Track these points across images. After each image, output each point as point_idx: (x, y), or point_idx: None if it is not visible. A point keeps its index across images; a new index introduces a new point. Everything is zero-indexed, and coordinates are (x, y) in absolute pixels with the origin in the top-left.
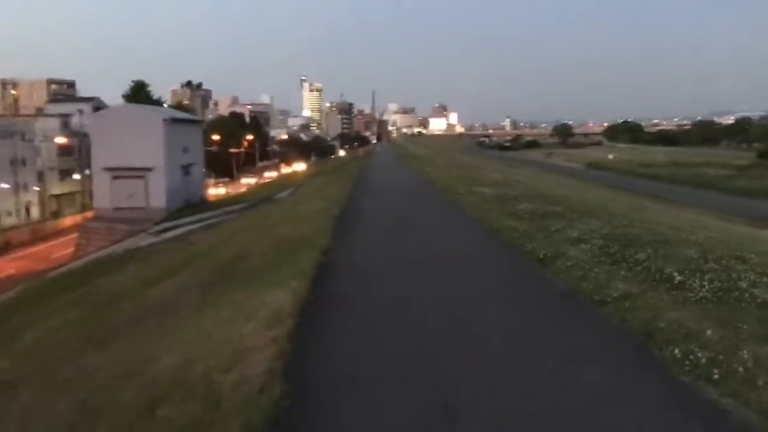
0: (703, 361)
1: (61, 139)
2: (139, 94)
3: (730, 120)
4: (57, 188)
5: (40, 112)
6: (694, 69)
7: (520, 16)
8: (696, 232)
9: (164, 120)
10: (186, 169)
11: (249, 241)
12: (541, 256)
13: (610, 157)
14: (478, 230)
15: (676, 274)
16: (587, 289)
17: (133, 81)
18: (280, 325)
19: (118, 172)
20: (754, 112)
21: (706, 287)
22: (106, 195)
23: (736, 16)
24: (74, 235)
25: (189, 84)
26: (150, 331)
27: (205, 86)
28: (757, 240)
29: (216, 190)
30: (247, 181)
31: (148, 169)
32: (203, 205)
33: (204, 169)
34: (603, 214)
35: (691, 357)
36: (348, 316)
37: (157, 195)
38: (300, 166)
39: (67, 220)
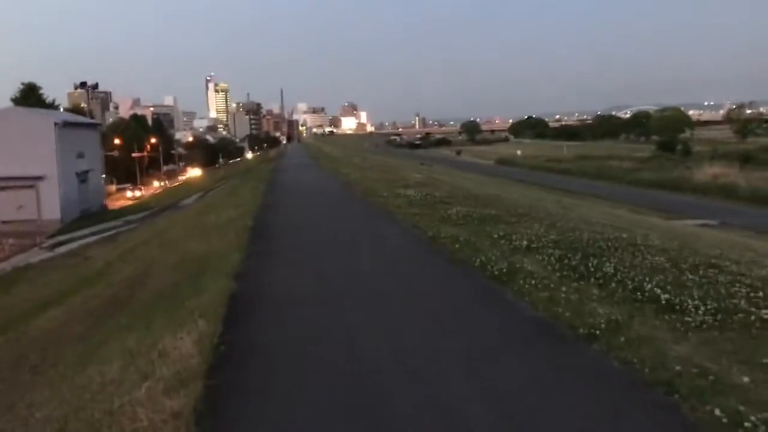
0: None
1: None
2: (29, 97)
3: (627, 114)
4: None
5: None
6: (591, 66)
7: (427, 14)
8: (645, 233)
9: (55, 124)
10: (82, 177)
11: (149, 258)
12: (496, 273)
13: (519, 153)
14: (413, 240)
15: (659, 291)
16: (564, 316)
17: (23, 83)
18: (184, 389)
19: (4, 182)
20: (650, 106)
21: (702, 309)
22: None
23: (633, 13)
24: None
25: (84, 85)
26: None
27: (104, 88)
28: (706, 239)
29: (119, 198)
30: (156, 184)
31: (39, 178)
32: (103, 214)
33: (104, 175)
34: (541, 215)
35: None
36: (271, 374)
37: (50, 205)
38: (195, 172)
39: None
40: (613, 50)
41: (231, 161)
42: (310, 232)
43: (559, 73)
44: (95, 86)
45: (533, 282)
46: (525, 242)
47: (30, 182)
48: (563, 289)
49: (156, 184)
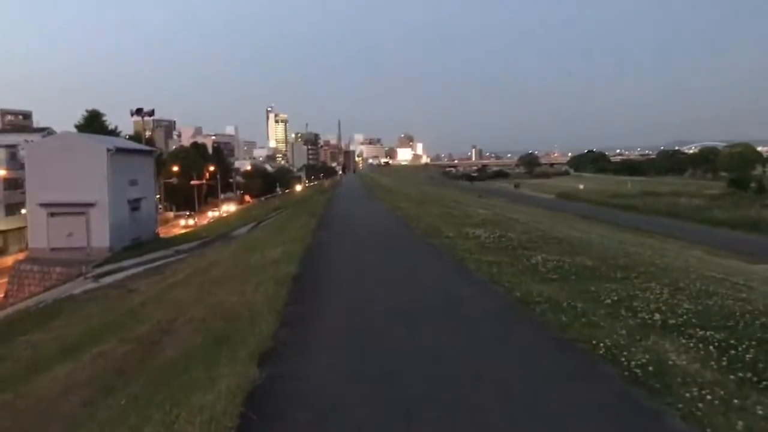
0: None
1: (1, 171)
2: (93, 124)
3: (691, 149)
4: (2, 224)
5: None
6: (654, 99)
7: (485, 47)
8: None
9: (108, 150)
10: (134, 204)
11: (180, 304)
12: (636, 370)
13: (581, 187)
14: (498, 304)
15: None
16: None
17: (87, 110)
18: None
19: (55, 208)
20: (715, 142)
21: None
22: (42, 233)
23: (697, 47)
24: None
25: (140, 111)
26: None
27: (169, 117)
28: None
29: (175, 225)
30: (212, 214)
31: (90, 205)
32: (154, 243)
33: (159, 204)
34: (651, 269)
35: None
36: None
37: (100, 233)
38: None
39: (10, 259)
40: (677, 84)
41: (286, 191)
42: (362, 289)
43: (620, 106)
44: (151, 113)
45: (702, 393)
46: (656, 315)
47: (81, 209)
48: (758, 411)
49: (210, 213)
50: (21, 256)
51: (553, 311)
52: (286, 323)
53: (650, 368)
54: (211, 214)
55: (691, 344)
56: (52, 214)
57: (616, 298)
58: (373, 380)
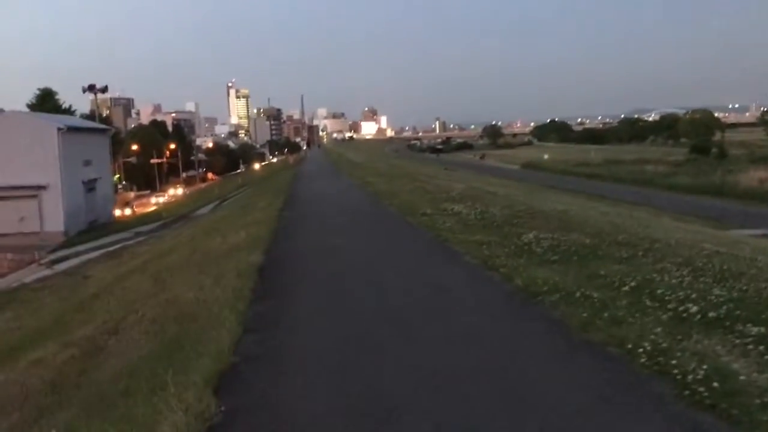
0: None
1: None
2: (46, 103)
3: (651, 117)
4: None
5: None
6: (613, 69)
7: (446, 18)
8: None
9: (59, 129)
10: (90, 185)
11: (133, 298)
12: (703, 391)
13: (546, 157)
14: (499, 295)
15: None
16: None
17: (39, 89)
18: None
19: (4, 192)
20: (674, 109)
21: None
22: None
23: (656, 17)
24: None
25: (92, 88)
26: None
27: (127, 95)
28: None
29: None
30: (155, 200)
31: (42, 187)
32: (112, 226)
33: (121, 184)
34: (657, 246)
35: None
36: None
37: (53, 217)
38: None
39: None
40: (635, 53)
41: (249, 168)
42: (337, 282)
43: (580, 76)
44: (104, 89)
45: None
46: (689, 305)
47: (32, 192)
48: None
49: (154, 200)
50: None
51: (566, 303)
52: (251, 328)
53: (714, 384)
54: (155, 201)
55: (749, 346)
56: (1, 198)
57: (633, 284)
58: (365, 416)
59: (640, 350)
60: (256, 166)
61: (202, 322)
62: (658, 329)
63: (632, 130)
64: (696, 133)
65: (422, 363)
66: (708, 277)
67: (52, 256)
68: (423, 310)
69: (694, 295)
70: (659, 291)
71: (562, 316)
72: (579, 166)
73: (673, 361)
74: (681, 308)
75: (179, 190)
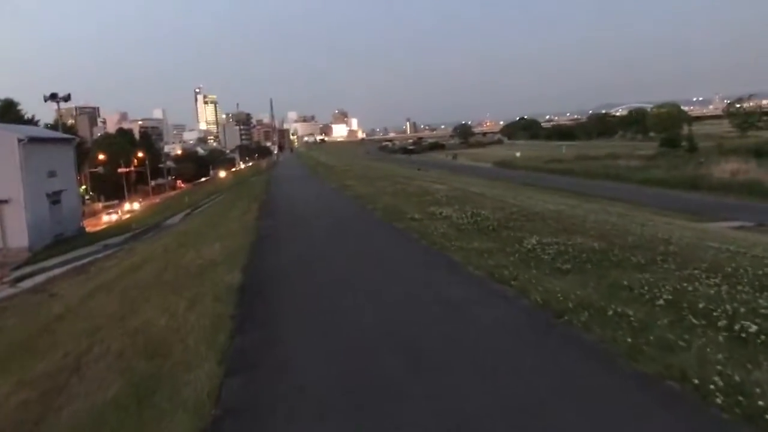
0: None
1: None
2: (8, 113)
3: (618, 111)
4: None
5: None
6: (580, 64)
7: (414, 20)
8: None
9: (20, 140)
10: (54, 198)
11: (101, 320)
12: None
13: (517, 154)
14: (517, 314)
15: None
16: None
17: (0, 100)
18: None
19: None
20: (640, 104)
21: None
22: None
23: (621, 11)
24: None
25: (54, 96)
26: None
27: (92, 104)
28: None
29: (108, 217)
30: (107, 218)
31: (3, 202)
32: (80, 238)
33: (91, 193)
34: (672, 249)
35: None
36: None
37: (16, 232)
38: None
39: None
40: (602, 48)
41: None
42: (329, 304)
43: (547, 72)
44: (67, 98)
45: None
46: (745, 324)
47: None
48: None
49: (106, 218)
50: None
51: (599, 324)
52: (234, 369)
53: None
54: (107, 218)
55: None
56: None
57: (667, 296)
58: None
59: (711, 386)
60: (222, 174)
61: (176, 358)
62: (719, 355)
63: (601, 125)
64: (664, 127)
65: (447, 407)
66: (744, 285)
67: (16, 273)
68: (436, 336)
69: (742, 309)
70: (700, 305)
71: (600, 341)
72: (551, 162)
73: (760, 402)
74: (736, 327)
75: (135, 205)
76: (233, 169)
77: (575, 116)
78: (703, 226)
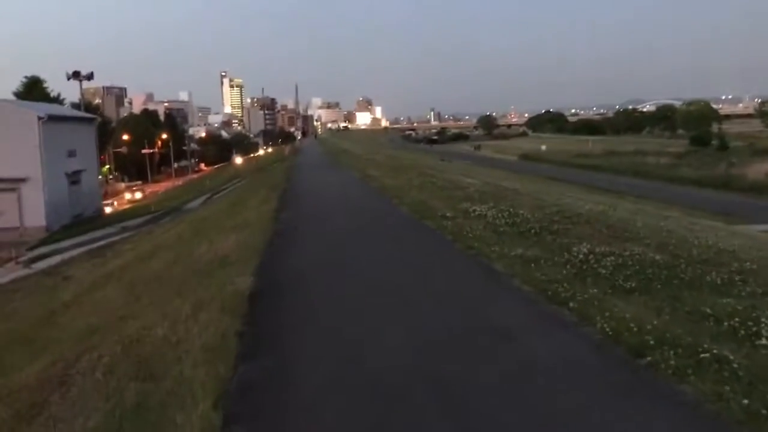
0: None
1: None
2: (33, 91)
3: (646, 108)
4: None
5: None
6: (610, 59)
7: (440, 7)
8: None
9: (39, 118)
10: (74, 178)
11: (99, 319)
12: None
13: (543, 148)
14: (584, 355)
15: None
16: None
17: (26, 77)
18: None
19: None
20: (668, 100)
21: None
22: None
23: (650, 9)
24: None
25: (77, 75)
26: None
27: (120, 84)
28: None
29: (130, 196)
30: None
31: (21, 180)
32: (98, 220)
33: (111, 175)
34: (749, 267)
35: None
36: None
37: (34, 211)
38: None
39: None
40: (630, 43)
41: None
42: (353, 320)
43: (574, 66)
44: (90, 76)
45: None
46: None
47: (11, 185)
48: None
49: (128, 195)
50: None
51: (695, 371)
52: (235, 415)
53: None
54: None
55: None
56: None
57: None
58: None
59: None
60: (238, 160)
61: (168, 385)
62: None
63: (628, 121)
64: (694, 125)
65: None
66: None
67: (32, 254)
68: (489, 380)
69: None
70: None
71: (704, 399)
72: (578, 157)
73: None
74: None
75: (137, 195)
76: (255, 154)
77: (602, 111)
78: (740, 229)
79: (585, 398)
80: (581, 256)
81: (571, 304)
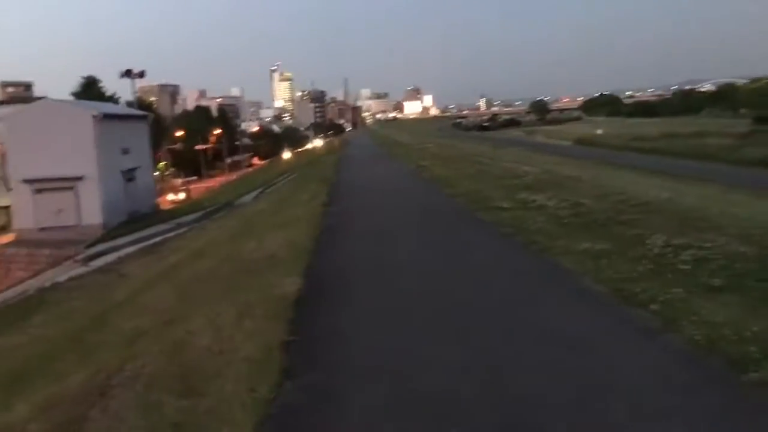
0: None
1: None
2: (90, 90)
3: (704, 87)
4: (4, 200)
5: None
6: (664, 39)
7: None
8: None
9: (94, 117)
10: (129, 175)
11: (144, 328)
12: None
13: (599, 132)
14: (685, 365)
15: None
16: None
17: (83, 77)
18: None
19: (41, 184)
20: (727, 79)
21: None
22: (28, 212)
23: None
24: None
25: (129, 73)
26: None
27: (174, 82)
28: None
29: (173, 197)
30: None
31: (78, 178)
32: (153, 216)
33: (167, 170)
34: None
35: None
36: None
37: (91, 209)
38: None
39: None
40: (686, 20)
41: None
42: (410, 334)
43: (628, 47)
44: (142, 74)
45: None
46: None
47: (68, 183)
48: None
49: (171, 196)
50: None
51: None
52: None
53: None
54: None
55: None
56: (38, 191)
57: None
58: None
59: None
60: (287, 155)
61: (208, 403)
62: None
63: (686, 101)
64: (757, 103)
65: None
66: None
67: (89, 251)
68: (559, 401)
69: None
70: None
71: None
72: (636, 140)
73: None
74: None
75: (180, 195)
76: (304, 148)
77: (658, 92)
78: None
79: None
80: (656, 249)
81: (651, 306)
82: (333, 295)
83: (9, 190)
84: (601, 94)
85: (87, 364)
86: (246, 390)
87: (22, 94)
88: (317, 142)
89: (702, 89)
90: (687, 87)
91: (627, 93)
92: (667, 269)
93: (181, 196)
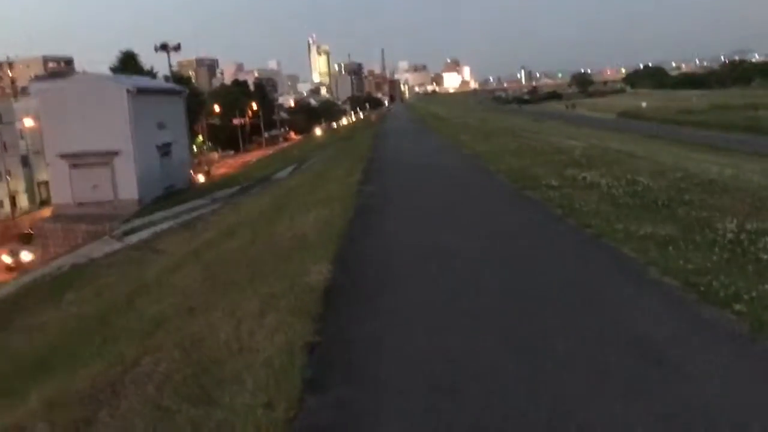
0: None
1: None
2: (128, 65)
3: (755, 58)
4: (45, 174)
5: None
6: (711, 6)
7: None
8: None
9: (128, 91)
10: (164, 150)
11: (166, 314)
12: None
13: (643, 104)
14: None
15: None
16: None
17: (121, 51)
18: None
19: (77, 159)
20: None
21: None
22: (65, 187)
23: None
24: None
25: (164, 47)
26: None
27: (211, 55)
28: None
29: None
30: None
31: (114, 153)
32: (189, 191)
33: (206, 145)
34: None
35: None
36: None
37: (127, 184)
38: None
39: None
40: None
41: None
42: (454, 336)
43: (673, 16)
44: (177, 47)
45: None
46: None
47: (104, 158)
48: None
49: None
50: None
51: None
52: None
53: None
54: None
55: None
56: (75, 166)
57: None
58: None
59: None
60: (318, 132)
61: (221, 415)
62: None
63: (735, 72)
64: None
65: None
66: None
67: (125, 227)
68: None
69: None
70: None
71: None
72: (682, 113)
73: None
74: None
75: (200, 177)
76: (343, 122)
77: (705, 63)
78: None
79: None
80: (729, 235)
81: (735, 306)
82: (367, 289)
83: (46, 165)
84: (646, 66)
85: (104, 355)
86: (262, 403)
87: (62, 69)
88: (354, 116)
89: (753, 59)
90: (736, 57)
91: (673, 64)
92: (745, 259)
93: (201, 178)
